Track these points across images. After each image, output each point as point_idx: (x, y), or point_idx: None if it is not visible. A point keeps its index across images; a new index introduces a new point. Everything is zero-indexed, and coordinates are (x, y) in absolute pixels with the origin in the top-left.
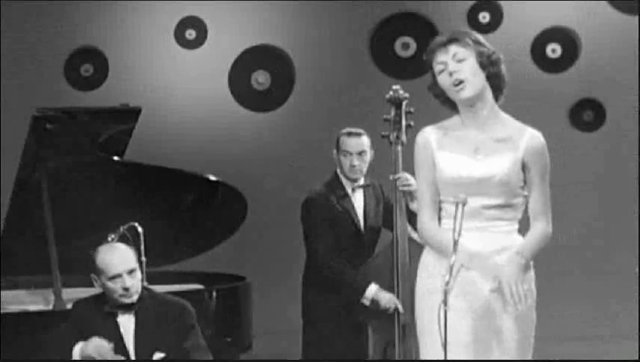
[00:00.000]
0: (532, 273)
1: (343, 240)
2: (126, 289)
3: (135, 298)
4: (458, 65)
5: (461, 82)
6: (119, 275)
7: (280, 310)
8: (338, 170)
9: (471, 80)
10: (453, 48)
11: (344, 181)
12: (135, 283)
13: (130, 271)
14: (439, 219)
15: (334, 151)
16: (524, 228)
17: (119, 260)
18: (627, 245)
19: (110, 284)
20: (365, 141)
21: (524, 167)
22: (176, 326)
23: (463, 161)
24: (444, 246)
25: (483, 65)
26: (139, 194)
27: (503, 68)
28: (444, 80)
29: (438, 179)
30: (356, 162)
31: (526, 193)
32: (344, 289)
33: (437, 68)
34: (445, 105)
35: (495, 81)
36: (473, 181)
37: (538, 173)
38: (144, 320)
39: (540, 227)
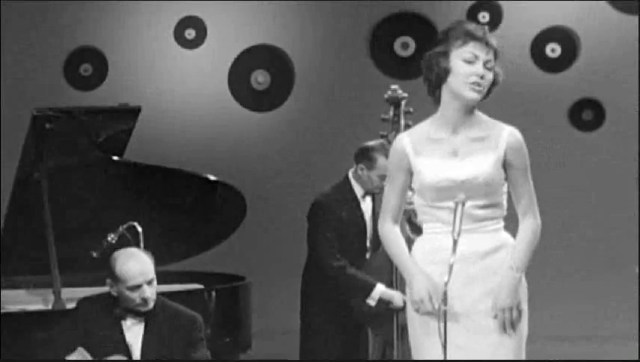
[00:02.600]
0: (524, 285)
1: (348, 243)
2: (145, 299)
3: (151, 306)
4: (486, 73)
5: (481, 87)
6: (139, 286)
7: (280, 310)
8: (350, 175)
9: (484, 89)
10: (491, 54)
11: (355, 187)
12: (153, 292)
13: (150, 281)
14: (413, 224)
15: (361, 165)
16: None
17: (139, 270)
18: (627, 245)
19: (128, 293)
20: None
21: (505, 165)
22: (184, 338)
23: (443, 165)
24: (398, 255)
25: (494, 82)
26: (138, 193)
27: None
28: (465, 70)
29: (419, 186)
30: None
31: (505, 190)
32: (349, 289)
33: (466, 56)
34: (431, 92)
35: (486, 96)
36: (457, 183)
37: (521, 169)
38: (153, 329)
39: (530, 223)
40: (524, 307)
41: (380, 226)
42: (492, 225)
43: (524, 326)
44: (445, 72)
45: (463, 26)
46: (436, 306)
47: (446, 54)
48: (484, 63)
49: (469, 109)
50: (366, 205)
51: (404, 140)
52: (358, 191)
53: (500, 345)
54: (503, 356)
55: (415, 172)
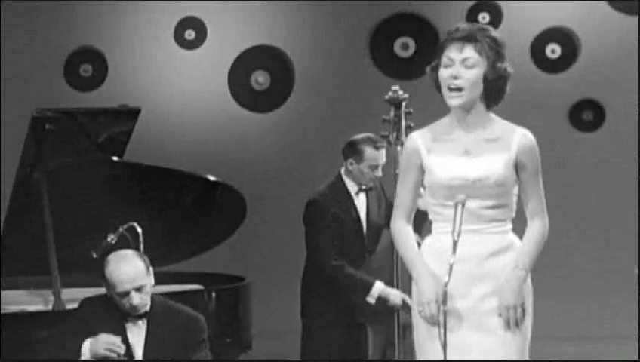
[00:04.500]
0: (529, 283)
1: (345, 241)
2: (132, 306)
3: (142, 312)
4: (464, 72)
5: (459, 90)
6: (127, 293)
7: (280, 310)
8: (343, 172)
9: (468, 89)
10: (468, 50)
11: (349, 184)
12: (143, 297)
13: (139, 288)
14: (427, 223)
15: (350, 160)
16: (521, 228)
17: (128, 277)
18: (627, 245)
19: (118, 299)
20: (385, 150)
21: (517, 167)
22: (187, 339)
23: (454, 163)
24: (408, 254)
25: (487, 78)
26: (138, 194)
27: (509, 85)
28: (444, 76)
29: (430, 184)
30: (380, 173)
31: (516, 192)
32: (349, 288)
33: (444, 61)
34: (439, 92)
35: (493, 93)
36: (467, 182)
37: (532, 171)
38: (155, 330)
39: (538, 225)
40: (529, 307)
41: (392, 224)
42: (500, 227)
43: (528, 326)
44: (438, 84)
45: (449, 32)
46: (442, 309)
47: (437, 66)
48: (462, 62)
49: (480, 112)
50: (360, 202)
51: (417, 138)
52: (352, 187)
53: (503, 344)
54: (507, 355)
55: (426, 170)
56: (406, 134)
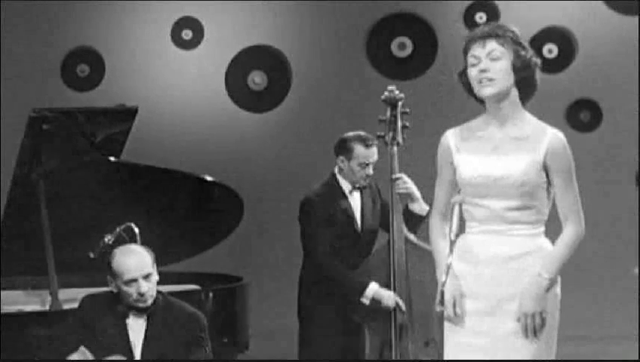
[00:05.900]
0: (557, 290)
1: (340, 241)
2: (141, 294)
3: (150, 302)
4: (491, 64)
5: (490, 80)
6: (135, 280)
7: (277, 310)
8: (336, 171)
9: (499, 80)
10: (491, 44)
11: (342, 182)
12: (151, 287)
13: (147, 276)
14: (462, 222)
15: (341, 157)
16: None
17: (136, 264)
18: (626, 245)
19: (125, 288)
20: (377, 148)
21: (546, 169)
22: (186, 336)
23: (480, 161)
24: (436, 252)
25: (516, 69)
26: (135, 194)
27: (538, 74)
28: (473, 73)
29: (459, 182)
30: (371, 172)
31: (547, 195)
32: (344, 288)
33: (470, 60)
34: (471, 96)
35: (525, 87)
36: (490, 181)
37: (562, 173)
38: (155, 326)
39: (571, 229)
40: (555, 314)
41: (429, 220)
42: (526, 229)
43: (549, 334)
44: (468, 86)
45: (469, 35)
46: (458, 312)
47: (465, 70)
48: (488, 55)
49: (514, 107)
50: (355, 201)
51: (449, 136)
52: (346, 186)
53: (518, 349)
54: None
55: (455, 168)
56: (402, 134)
